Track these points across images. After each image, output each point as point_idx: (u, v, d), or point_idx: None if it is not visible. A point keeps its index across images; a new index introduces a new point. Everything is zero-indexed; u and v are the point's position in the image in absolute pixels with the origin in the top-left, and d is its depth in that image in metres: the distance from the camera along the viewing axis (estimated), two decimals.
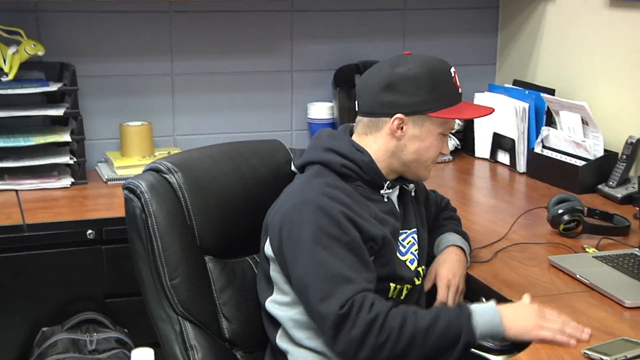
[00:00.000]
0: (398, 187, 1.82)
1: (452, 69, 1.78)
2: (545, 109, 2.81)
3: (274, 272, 1.74)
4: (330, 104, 3.04)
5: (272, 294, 1.76)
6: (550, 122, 2.80)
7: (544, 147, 2.78)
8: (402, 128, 1.75)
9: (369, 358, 1.55)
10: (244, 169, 1.91)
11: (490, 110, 1.83)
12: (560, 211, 2.20)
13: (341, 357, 1.60)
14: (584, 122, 2.65)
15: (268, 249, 1.73)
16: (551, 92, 2.85)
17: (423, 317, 1.58)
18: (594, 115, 2.60)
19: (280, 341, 1.77)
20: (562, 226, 2.20)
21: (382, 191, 1.78)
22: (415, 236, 1.85)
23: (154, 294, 1.77)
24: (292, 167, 1.88)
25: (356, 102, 1.82)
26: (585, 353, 1.53)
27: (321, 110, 3.03)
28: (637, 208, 2.33)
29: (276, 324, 1.77)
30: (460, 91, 1.79)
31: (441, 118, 1.75)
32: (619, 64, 2.68)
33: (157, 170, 1.81)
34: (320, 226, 1.63)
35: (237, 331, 1.83)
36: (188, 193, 1.80)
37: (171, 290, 1.75)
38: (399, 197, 1.84)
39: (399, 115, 1.74)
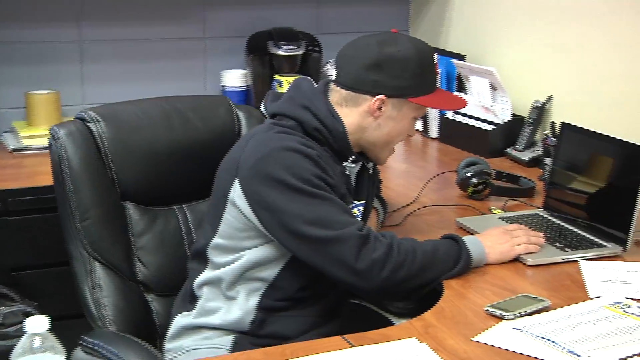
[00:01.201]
0: (360, 164, 1.83)
1: (435, 55, 1.79)
2: (456, 74, 2.85)
3: (230, 216, 1.72)
4: (244, 72, 3.01)
5: (214, 236, 1.75)
6: (461, 88, 2.84)
7: (455, 112, 2.83)
8: (380, 108, 1.75)
9: (388, 277, 1.63)
10: (174, 122, 1.98)
11: (465, 104, 1.90)
12: (468, 174, 2.25)
13: (360, 276, 1.63)
14: (493, 87, 2.70)
15: (234, 191, 1.70)
16: (461, 57, 2.89)
17: (425, 243, 1.72)
18: (502, 80, 2.65)
19: (199, 283, 1.78)
20: (470, 189, 2.24)
21: (345, 163, 1.79)
22: (362, 208, 1.88)
23: (69, 234, 1.87)
24: (262, 108, 1.88)
25: (335, 70, 1.80)
26: (487, 310, 1.57)
27: (235, 78, 3.00)
28: (542, 170, 2.39)
29: (202, 266, 1.79)
30: (438, 78, 1.81)
31: (420, 105, 1.78)
32: (525, 30, 2.73)
33: (82, 119, 1.93)
34: (307, 169, 1.66)
35: (150, 275, 1.92)
36: (108, 142, 1.90)
37: (81, 232, 1.85)
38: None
39: (381, 96, 1.74)
